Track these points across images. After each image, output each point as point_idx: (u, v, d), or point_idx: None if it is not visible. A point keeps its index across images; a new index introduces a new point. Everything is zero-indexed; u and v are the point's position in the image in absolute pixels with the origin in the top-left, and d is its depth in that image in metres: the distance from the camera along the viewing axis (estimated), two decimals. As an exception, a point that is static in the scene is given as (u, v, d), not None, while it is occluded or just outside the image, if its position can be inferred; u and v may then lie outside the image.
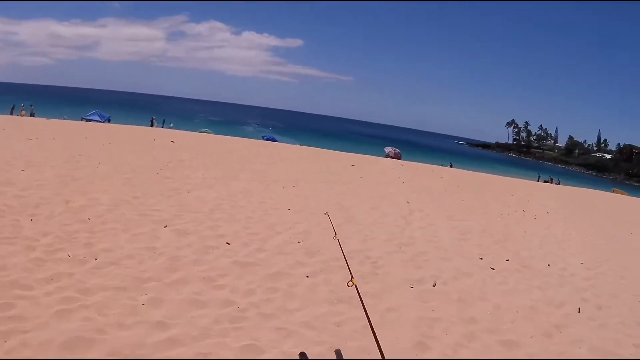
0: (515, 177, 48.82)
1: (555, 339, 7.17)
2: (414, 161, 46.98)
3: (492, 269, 10.45)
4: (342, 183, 20.34)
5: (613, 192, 57.23)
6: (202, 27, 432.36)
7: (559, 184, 61.16)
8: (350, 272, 4.31)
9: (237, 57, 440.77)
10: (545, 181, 62.57)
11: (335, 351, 3.16)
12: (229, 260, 8.47)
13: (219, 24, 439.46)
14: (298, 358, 3.06)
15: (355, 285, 3.84)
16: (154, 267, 7.63)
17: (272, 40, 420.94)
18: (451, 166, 53.85)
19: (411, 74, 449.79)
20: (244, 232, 10.41)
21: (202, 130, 54.67)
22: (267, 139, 52.78)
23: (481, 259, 11.17)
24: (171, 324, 5.86)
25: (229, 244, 9.44)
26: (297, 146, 45.78)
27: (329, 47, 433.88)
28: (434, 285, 8.71)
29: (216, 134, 49.43)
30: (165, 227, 9.91)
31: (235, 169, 20.04)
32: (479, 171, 47.73)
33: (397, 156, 54.18)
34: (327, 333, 6.23)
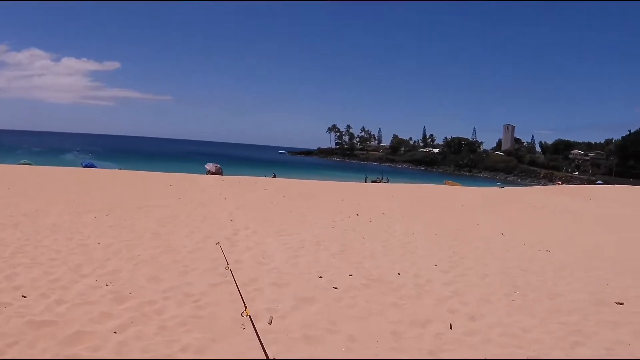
0: (342, 181, 49.16)
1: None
2: (237, 175, 45.79)
3: (336, 288, 9.31)
4: (160, 207, 18.45)
5: (446, 184, 59.97)
6: (23, 56, 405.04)
7: (387, 182, 62.95)
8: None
9: (58, 84, 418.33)
10: (373, 181, 64.76)
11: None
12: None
13: (38, 52, 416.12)
14: None
15: (249, 315, 3.97)
16: None
17: (90, 65, 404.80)
18: (274, 176, 53.36)
19: (228, 88, 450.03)
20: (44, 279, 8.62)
21: (22, 162, 53.61)
22: (86, 166, 51.97)
23: (320, 277, 10.05)
24: None
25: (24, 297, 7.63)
26: (116, 170, 43.39)
27: (146, 68, 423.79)
28: (269, 323, 7.21)
29: (37, 164, 47.83)
30: None
31: (49, 202, 18.11)
32: (304, 179, 47.52)
33: (218, 172, 53.68)
34: None
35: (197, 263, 10.44)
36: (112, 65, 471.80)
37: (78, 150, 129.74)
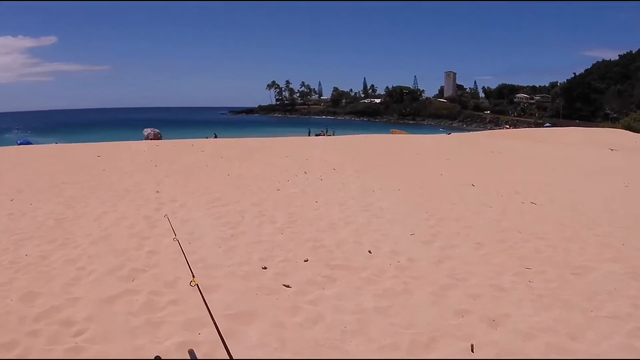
0: (285, 136, 46.29)
1: None
2: (175, 138, 42.31)
3: (287, 286, 6.72)
4: (77, 183, 15.22)
5: (392, 133, 57.80)
6: None
7: (333, 134, 60.50)
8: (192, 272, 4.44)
9: None
10: (317, 134, 62.74)
11: (188, 351, 3.12)
12: None
13: None
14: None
15: (197, 285, 3.93)
16: None
17: (27, 42, 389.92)
18: (215, 137, 50.19)
19: (166, 52, 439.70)
20: None
21: None
22: (21, 144, 49.52)
23: (265, 268, 7.40)
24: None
25: None
26: (48, 146, 39.71)
27: (82, 39, 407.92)
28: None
29: None
30: None
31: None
32: (245, 137, 44.51)
33: (157, 137, 50.40)
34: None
35: (97, 262, 7.57)
36: (48, 40, 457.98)
37: (18, 129, 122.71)
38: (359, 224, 10.18)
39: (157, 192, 13.62)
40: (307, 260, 7.65)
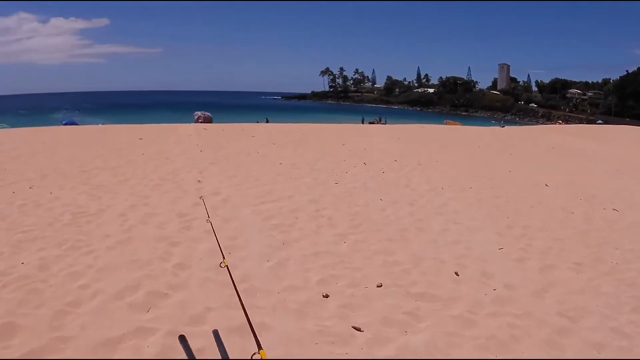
0: (338, 123, 44.46)
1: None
2: (226, 122, 40.76)
3: (358, 330, 4.99)
4: (110, 168, 13.69)
5: (446, 124, 55.98)
6: (11, 21, 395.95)
7: (385, 123, 58.61)
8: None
9: (46, 45, 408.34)
10: (370, 122, 60.46)
11: (212, 332, 3.24)
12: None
13: (26, 15, 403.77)
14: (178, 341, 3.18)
15: (227, 266, 3.86)
16: None
17: (78, 24, 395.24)
18: (267, 122, 48.79)
19: (219, 36, 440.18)
20: None
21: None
22: (66, 124, 47.36)
23: (326, 296, 5.63)
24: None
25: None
26: (92, 127, 38.70)
27: (135, 22, 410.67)
28: None
29: (17, 126, 41.70)
30: None
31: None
32: (298, 122, 42.90)
33: (207, 120, 49.03)
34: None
35: (106, 278, 5.88)
36: (100, 22, 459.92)
37: (66, 109, 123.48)
38: (434, 232, 8.39)
39: (199, 181, 12.00)
40: (380, 286, 5.86)
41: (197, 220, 8.13)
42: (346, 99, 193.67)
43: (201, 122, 44.55)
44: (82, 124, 49.06)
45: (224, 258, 3.69)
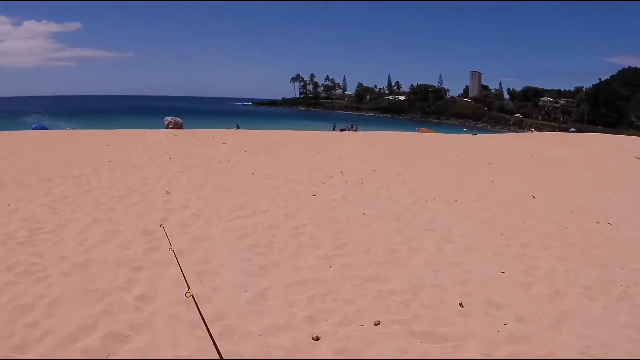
0: (310, 130, 43.69)
1: None
2: (197, 128, 39.62)
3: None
4: (73, 177, 12.72)
5: (418, 131, 55.48)
6: None
7: (357, 130, 58.15)
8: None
9: (19, 48, 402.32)
10: (342, 129, 60.22)
11: None
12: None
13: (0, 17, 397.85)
14: None
15: (194, 298, 3.69)
16: None
17: (51, 27, 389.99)
18: (238, 128, 47.87)
19: (190, 41, 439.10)
20: None
21: None
22: (35, 128, 46.86)
23: (316, 339, 4.85)
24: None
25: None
26: (59, 131, 37.40)
27: (107, 26, 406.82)
28: None
29: None
30: None
31: None
32: (269, 129, 42.01)
33: (178, 125, 48.04)
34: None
35: (58, 314, 5.01)
36: (73, 25, 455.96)
37: (37, 112, 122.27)
38: (427, 252, 7.61)
39: (167, 192, 11.03)
40: (378, 324, 5.03)
41: (164, 240, 7.20)
42: (317, 105, 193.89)
43: (172, 128, 43.64)
44: (52, 128, 48.25)
45: (188, 288, 3.58)
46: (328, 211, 9.95)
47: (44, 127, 49.64)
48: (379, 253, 7.43)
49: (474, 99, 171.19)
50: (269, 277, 6.19)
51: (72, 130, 39.25)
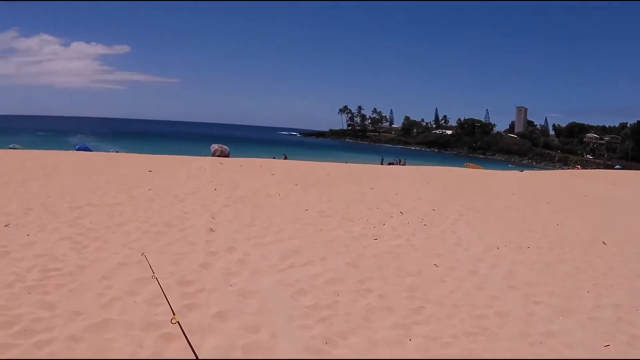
0: (358, 163, 42.44)
1: None
2: (243, 157, 38.63)
3: None
4: (106, 205, 11.74)
5: (466, 167, 54.06)
6: (32, 42, 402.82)
7: (404, 164, 56.87)
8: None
9: (67, 68, 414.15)
10: (390, 163, 59.35)
11: None
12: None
13: (48, 37, 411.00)
14: None
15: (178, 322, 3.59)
16: None
17: (100, 49, 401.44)
18: (285, 158, 46.92)
19: (236, 70, 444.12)
20: None
21: (11, 146, 48.08)
22: (79, 149, 46.43)
23: None
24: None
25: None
26: (102, 154, 37.33)
27: (155, 51, 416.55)
28: None
29: (31, 148, 39.55)
30: None
31: None
32: (317, 160, 40.93)
33: (224, 153, 47.17)
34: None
35: None
36: (121, 49, 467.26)
37: (83, 133, 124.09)
38: (517, 319, 6.33)
39: (211, 230, 9.81)
40: None
41: (204, 294, 5.89)
42: (364, 138, 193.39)
43: (218, 155, 42.82)
44: (96, 150, 48.20)
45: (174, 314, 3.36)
46: (394, 260, 8.62)
47: (87, 149, 49.35)
48: (464, 320, 6.06)
49: (520, 134, 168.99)
50: (337, 355, 4.84)
51: (115, 153, 38.91)
